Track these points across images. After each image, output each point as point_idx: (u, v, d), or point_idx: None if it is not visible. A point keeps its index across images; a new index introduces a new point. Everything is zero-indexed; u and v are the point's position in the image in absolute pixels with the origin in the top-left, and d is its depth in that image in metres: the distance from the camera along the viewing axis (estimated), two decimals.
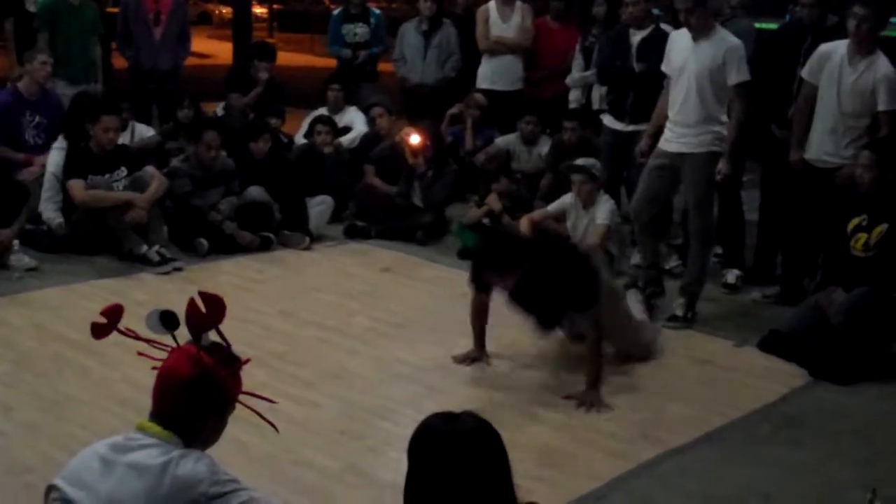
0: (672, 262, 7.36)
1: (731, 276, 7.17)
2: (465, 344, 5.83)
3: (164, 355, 2.61)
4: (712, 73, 6.22)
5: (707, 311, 6.56)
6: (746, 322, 6.42)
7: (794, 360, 5.72)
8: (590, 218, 7.18)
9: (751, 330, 6.20)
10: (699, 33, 6.25)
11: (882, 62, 6.19)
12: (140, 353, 2.64)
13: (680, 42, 6.42)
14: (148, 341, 2.62)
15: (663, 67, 6.56)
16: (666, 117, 6.46)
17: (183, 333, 2.61)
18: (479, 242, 5.42)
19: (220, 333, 2.63)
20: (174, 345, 2.61)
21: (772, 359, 5.81)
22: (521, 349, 5.81)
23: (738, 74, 6.24)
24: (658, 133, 6.55)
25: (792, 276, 6.80)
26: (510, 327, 6.15)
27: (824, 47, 6.39)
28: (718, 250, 7.36)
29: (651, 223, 6.64)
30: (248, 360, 2.70)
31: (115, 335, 2.69)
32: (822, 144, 6.41)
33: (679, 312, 6.46)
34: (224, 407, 2.65)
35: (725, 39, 6.28)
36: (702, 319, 6.45)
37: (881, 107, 6.16)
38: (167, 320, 2.61)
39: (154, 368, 2.62)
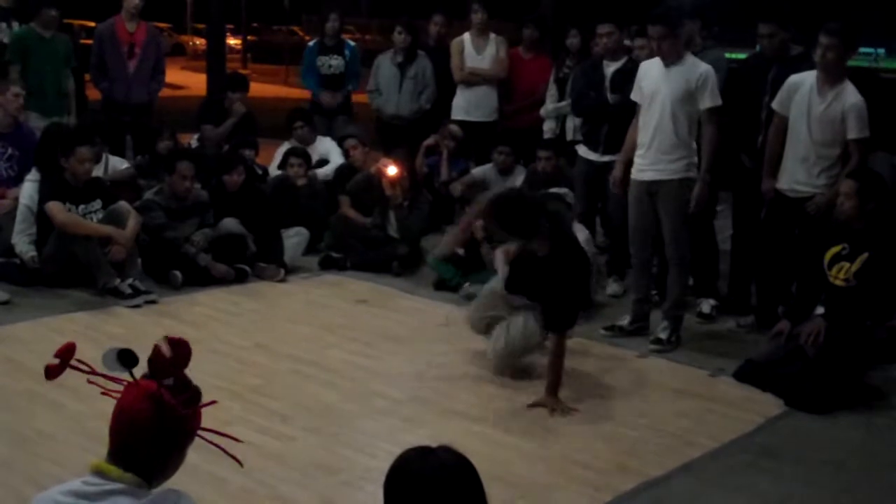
0: (649, 291, 7.37)
1: (706, 305, 7.19)
2: (441, 376, 5.83)
3: (119, 386, 2.54)
4: (685, 98, 6.31)
5: (683, 341, 6.57)
6: (722, 352, 6.43)
7: (769, 389, 5.73)
8: None
9: (726, 359, 6.20)
10: (670, 60, 6.33)
11: (850, 91, 6.25)
12: (90, 382, 2.58)
13: (651, 70, 6.48)
14: (104, 376, 2.56)
15: (633, 96, 6.62)
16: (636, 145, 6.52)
17: (142, 370, 2.56)
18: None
19: (182, 378, 2.57)
20: (131, 380, 2.53)
21: (747, 388, 5.82)
22: (497, 380, 5.80)
23: (710, 99, 6.33)
24: (631, 162, 6.59)
25: (766, 305, 6.83)
26: (466, 375, 6.16)
27: (793, 78, 6.46)
28: (690, 281, 7.39)
29: (649, 258, 6.68)
30: (213, 402, 2.64)
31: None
32: (794, 174, 6.46)
33: (663, 336, 6.49)
34: (185, 444, 2.58)
35: (696, 65, 6.37)
36: (677, 349, 6.46)
37: (850, 135, 6.22)
38: (125, 358, 2.55)
39: (104, 394, 2.55)
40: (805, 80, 6.39)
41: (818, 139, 6.32)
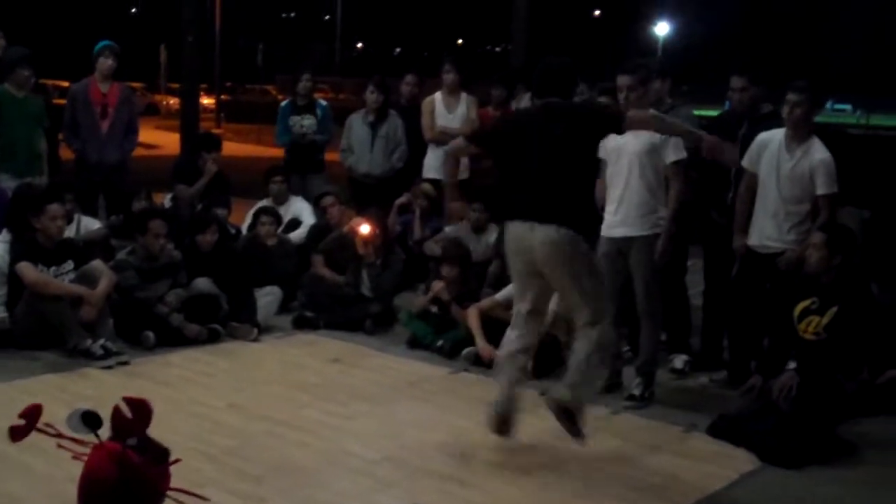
0: (622, 347, 7.39)
1: (679, 361, 7.22)
2: (415, 435, 5.81)
3: (87, 449, 2.52)
4: (650, 153, 6.35)
5: (655, 397, 6.58)
6: (695, 407, 6.44)
7: (743, 444, 5.73)
8: None
9: (699, 415, 6.21)
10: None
11: (818, 147, 6.36)
12: (60, 446, 2.56)
13: None
14: (70, 439, 2.54)
15: (599, 153, 6.67)
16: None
17: (107, 431, 2.54)
18: None
19: (147, 438, 2.55)
20: (97, 441, 2.52)
21: (721, 444, 5.83)
22: (471, 440, 5.79)
23: (675, 153, 6.39)
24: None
25: (739, 360, 6.85)
26: (463, 418, 6.15)
27: (762, 136, 6.56)
28: (662, 336, 7.44)
29: (621, 313, 6.67)
30: (178, 460, 2.63)
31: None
32: (765, 230, 6.53)
33: (636, 392, 6.50)
34: (154, 502, 2.56)
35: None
36: (650, 405, 6.47)
37: (819, 191, 6.32)
38: (89, 420, 2.54)
39: (75, 458, 2.53)
40: (774, 137, 6.49)
41: (787, 195, 6.40)
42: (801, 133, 6.38)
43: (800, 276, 6.15)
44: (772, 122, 6.73)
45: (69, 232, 7.96)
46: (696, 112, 7.85)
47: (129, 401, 2.52)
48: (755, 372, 6.22)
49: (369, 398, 6.53)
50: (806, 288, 6.03)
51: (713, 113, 8.65)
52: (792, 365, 5.93)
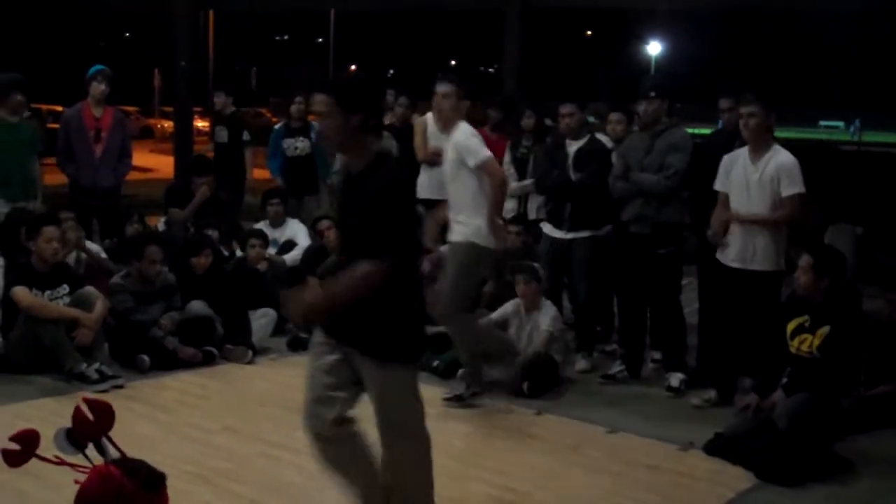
0: (616, 368, 7.41)
1: (675, 379, 7.21)
2: None
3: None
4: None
5: (652, 415, 6.58)
6: (692, 425, 6.43)
7: (740, 462, 5.73)
8: (533, 324, 7.24)
9: (696, 433, 6.21)
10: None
11: (780, 152, 6.51)
12: (63, 464, 2.55)
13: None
14: (70, 465, 2.54)
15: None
16: None
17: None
18: None
19: (111, 441, 2.54)
20: (92, 465, 2.52)
21: (718, 462, 5.82)
22: (467, 460, 5.78)
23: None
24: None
25: (727, 377, 6.85)
26: (458, 438, 6.14)
27: (727, 157, 6.70)
28: (657, 356, 7.49)
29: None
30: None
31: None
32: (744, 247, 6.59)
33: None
34: None
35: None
36: (647, 423, 6.47)
37: (783, 193, 6.41)
38: (74, 438, 2.54)
39: (77, 482, 2.52)
40: (739, 155, 6.64)
41: (761, 207, 6.44)
42: (761, 143, 6.48)
43: (791, 294, 6.17)
44: None
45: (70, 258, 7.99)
46: (690, 130, 7.88)
47: (91, 402, 2.51)
48: (751, 390, 6.22)
49: (364, 419, 6.49)
50: (799, 306, 6.04)
51: (706, 131, 8.68)
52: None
